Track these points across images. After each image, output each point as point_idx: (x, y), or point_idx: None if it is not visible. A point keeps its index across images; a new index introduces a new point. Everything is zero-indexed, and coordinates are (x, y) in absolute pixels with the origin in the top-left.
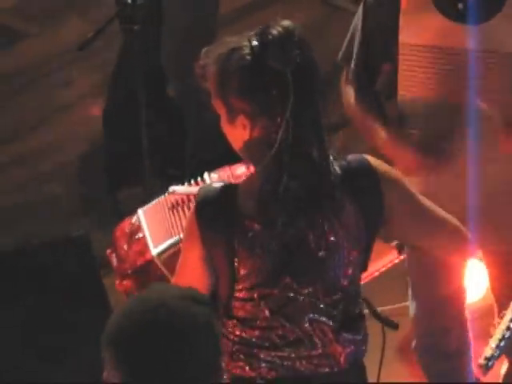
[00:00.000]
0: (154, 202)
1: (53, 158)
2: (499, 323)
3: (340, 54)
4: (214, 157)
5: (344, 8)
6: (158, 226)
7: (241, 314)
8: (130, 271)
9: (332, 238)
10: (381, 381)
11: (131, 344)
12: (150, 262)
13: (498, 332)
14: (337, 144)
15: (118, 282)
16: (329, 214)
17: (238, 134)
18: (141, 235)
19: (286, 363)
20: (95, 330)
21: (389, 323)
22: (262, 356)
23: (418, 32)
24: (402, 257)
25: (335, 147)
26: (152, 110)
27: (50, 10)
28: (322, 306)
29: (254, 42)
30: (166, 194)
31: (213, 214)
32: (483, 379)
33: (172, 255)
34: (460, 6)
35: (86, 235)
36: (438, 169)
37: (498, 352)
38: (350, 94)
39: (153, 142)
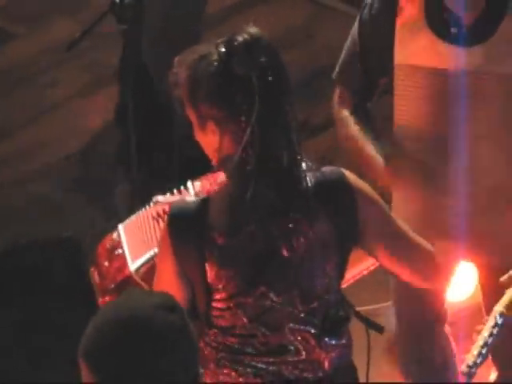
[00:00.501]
0: (136, 215)
1: (41, 157)
2: (481, 330)
3: (335, 72)
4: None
5: (332, 7)
6: (137, 241)
7: (220, 322)
8: (110, 287)
9: (305, 246)
10: (370, 381)
11: (105, 355)
12: (129, 278)
13: (480, 339)
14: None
15: (100, 299)
16: (301, 221)
17: (208, 140)
18: (120, 251)
19: (271, 368)
20: (84, 331)
21: (374, 326)
22: (246, 361)
23: (412, 52)
24: None
25: (311, 156)
26: (141, 109)
27: (38, 11)
28: (300, 314)
29: (221, 49)
30: (151, 204)
31: (184, 228)
32: None
33: (150, 269)
34: (453, 29)
35: (75, 236)
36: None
37: (480, 359)
38: (344, 120)
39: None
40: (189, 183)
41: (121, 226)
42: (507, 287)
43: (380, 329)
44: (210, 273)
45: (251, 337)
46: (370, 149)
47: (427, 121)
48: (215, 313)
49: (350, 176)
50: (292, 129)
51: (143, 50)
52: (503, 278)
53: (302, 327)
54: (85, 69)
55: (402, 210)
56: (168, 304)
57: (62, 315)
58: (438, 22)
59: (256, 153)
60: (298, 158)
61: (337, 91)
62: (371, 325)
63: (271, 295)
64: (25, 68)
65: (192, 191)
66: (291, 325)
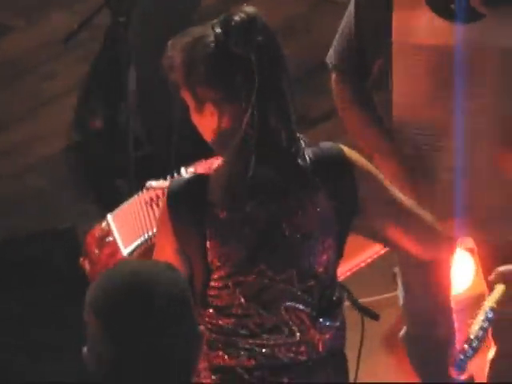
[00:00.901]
0: (127, 202)
1: (39, 150)
2: (473, 324)
3: (331, 57)
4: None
5: (332, 0)
6: (128, 227)
7: (216, 302)
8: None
9: (306, 224)
10: (366, 372)
11: (116, 310)
12: None
13: (472, 332)
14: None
15: None
16: (301, 199)
17: (206, 123)
18: (111, 238)
19: (264, 350)
20: (82, 323)
21: (369, 313)
22: (240, 344)
23: (411, 30)
24: (387, 248)
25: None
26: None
27: (36, 4)
28: (297, 292)
29: (218, 30)
30: (144, 190)
31: (183, 204)
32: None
33: (143, 252)
34: (452, 5)
35: (73, 228)
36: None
37: (471, 352)
38: (343, 95)
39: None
40: (182, 169)
41: (109, 216)
42: (496, 283)
43: (375, 316)
44: (211, 250)
45: (246, 317)
46: (369, 121)
47: (427, 98)
48: (212, 292)
49: (349, 152)
50: (290, 107)
51: (134, 45)
52: (491, 276)
53: (298, 306)
54: (83, 61)
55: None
56: (171, 267)
57: (62, 307)
58: None
59: (256, 132)
60: (297, 135)
61: (334, 77)
62: (366, 312)
63: (270, 273)
64: (23, 61)
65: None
66: (287, 303)
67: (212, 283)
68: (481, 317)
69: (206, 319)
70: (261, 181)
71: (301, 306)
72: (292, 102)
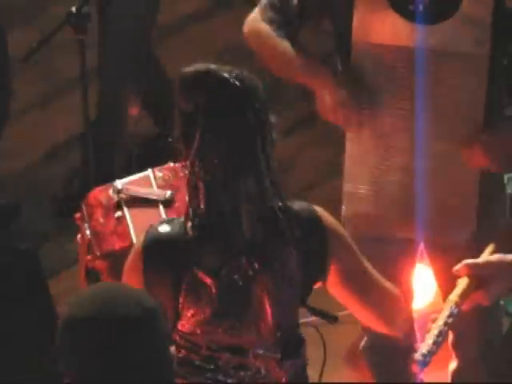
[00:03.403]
0: (138, 178)
1: (0, 167)
2: (436, 319)
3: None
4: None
5: None
6: (140, 215)
7: (183, 343)
8: (103, 251)
9: (277, 283)
10: None
11: (85, 329)
12: (128, 249)
13: (436, 328)
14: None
15: (89, 257)
16: (275, 260)
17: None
18: (120, 214)
19: (230, 382)
20: (42, 342)
21: (327, 317)
22: (207, 375)
23: (372, 30)
24: None
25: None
26: None
27: None
28: (265, 343)
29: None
30: (114, 189)
31: (161, 260)
32: (428, 377)
33: None
34: (415, 7)
35: (34, 248)
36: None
37: (434, 348)
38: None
39: None
40: (149, 171)
41: (119, 184)
42: (461, 276)
43: (333, 319)
44: (183, 303)
45: (215, 358)
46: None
47: (384, 97)
48: (180, 334)
49: (324, 215)
50: (255, 158)
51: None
52: (456, 267)
53: (266, 353)
54: (43, 78)
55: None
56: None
57: (20, 326)
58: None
59: (203, 185)
60: (272, 193)
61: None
62: (324, 315)
63: (239, 326)
64: None
65: (154, 182)
66: (256, 351)
67: (179, 327)
68: (445, 312)
69: (174, 352)
70: (236, 241)
71: (268, 354)
72: (263, 150)
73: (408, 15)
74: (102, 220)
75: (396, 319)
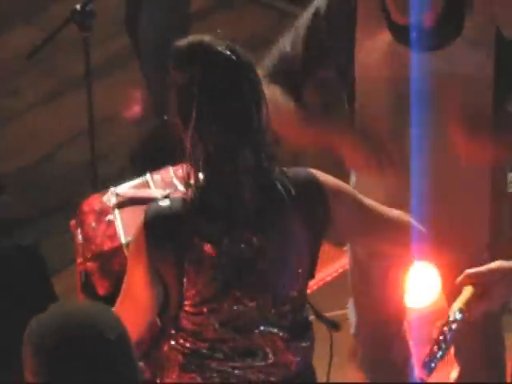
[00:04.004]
0: (132, 185)
1: (1, 167)
2: (442, 325)
3: (266, 70)
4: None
5: (294, 14)
6: (132, 215)
7: (190, 326)
8: (93, 253)
9: (280, 252)
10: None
11: (50, 351)
12: (118, 249)
13: (441, 334)
14: None
15: (80, 260)
16: (277, 226)
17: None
18: (111, 218)
19: (237, 372)
20: None
21: (330, 324)
22: (213, 366)
23: (374, 61)
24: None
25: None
26: None
27: None
28: (271, 317)
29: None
30: (111, 195)
31: (163, 234)
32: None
33: None
34: (413, 35)
35: (36, 245)
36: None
37: (440, 353)
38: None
39: None
40: (147, 175)
41: (113, 191)
42: (464, 285)
43: (336, 326)
44: (187, 278)
45: (221, 341)
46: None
47: (388, 125)
48: (186, 316)
49: (320, 175)
50: (250, 127)
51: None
52: (459, 278)
53: (272, 330)
54: (46, 76)
55: None
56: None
57: (23, 324)
58: (399, 27)
59: (203, 156)
60: (268, 163)
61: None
62: (328, 322)
63: (244, 300)
64: None
65: (152, 184)
66: (262, 328)
67: (187, 308)
68: (450, 318)
69: (181, 341)
70: (238, 210)
71: (275, 330)
72: (259, 121)
73: (406, 42)
74: (93, 225)
75: (409, 242)
